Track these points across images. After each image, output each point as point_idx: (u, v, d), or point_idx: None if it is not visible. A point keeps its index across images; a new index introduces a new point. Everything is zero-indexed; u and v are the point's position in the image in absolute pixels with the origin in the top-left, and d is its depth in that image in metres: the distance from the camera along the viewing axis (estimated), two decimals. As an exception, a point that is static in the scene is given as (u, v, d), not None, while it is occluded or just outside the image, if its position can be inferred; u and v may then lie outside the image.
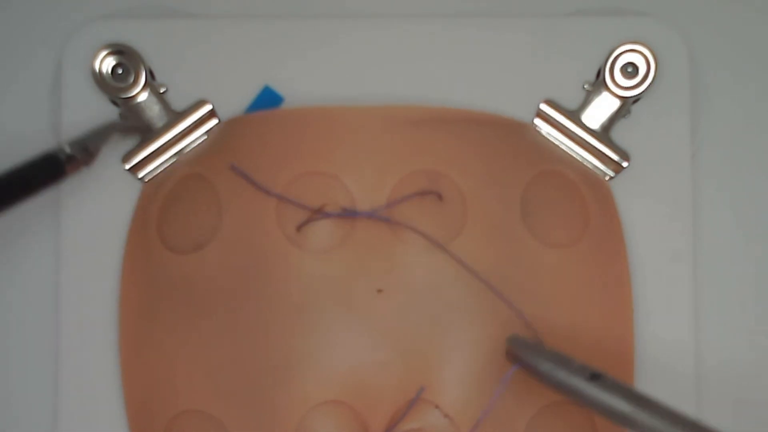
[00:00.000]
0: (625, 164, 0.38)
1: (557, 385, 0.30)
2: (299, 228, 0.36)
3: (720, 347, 0.38)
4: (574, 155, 0.38)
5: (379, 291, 0.35)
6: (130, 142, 0.38)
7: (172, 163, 0.38)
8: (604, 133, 0.38)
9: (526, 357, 0.31)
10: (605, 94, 0.38)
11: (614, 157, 0.38)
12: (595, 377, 0.28)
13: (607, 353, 0.36)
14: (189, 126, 0.38)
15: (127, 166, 0.38)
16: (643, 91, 0.38)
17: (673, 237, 0.38)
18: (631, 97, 0.38)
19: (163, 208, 0.38)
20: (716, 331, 0.39)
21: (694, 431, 0.27)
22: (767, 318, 0.39)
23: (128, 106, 0.38)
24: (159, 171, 0.38)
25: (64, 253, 0.38)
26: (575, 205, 0.37)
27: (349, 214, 0.36)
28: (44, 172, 0.35)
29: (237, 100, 0.39)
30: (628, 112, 0.38)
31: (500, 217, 0.36)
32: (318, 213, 0.36)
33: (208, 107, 0.38)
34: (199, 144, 0.39)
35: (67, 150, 0.35)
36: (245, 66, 0.39)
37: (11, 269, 0.39)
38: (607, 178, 0.38)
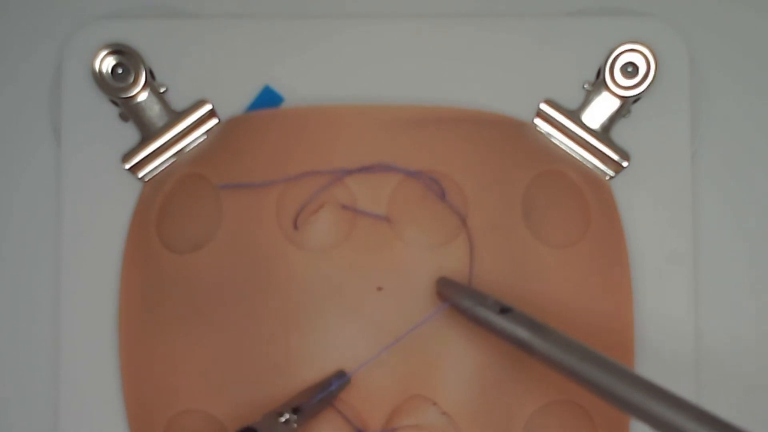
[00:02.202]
0: (625, 164, 0.38)
1: (475, 319, 0.33)
2: (296, 221, 0.36)
3: (720, 347, 0.38)
4: (575, 155, 0.38)
5: (379, 289, 0.36)
6: (130, 142, 0.38)
7: (172, 163, 0.38)
8: (604, 133, 0.38)
9: (451, 295, 0.34)
10: (605, 94, 0.38)
11: (614, 157, 0.38)
12: (504, 311, 0.32)
13: (607, 352, 0.36)
14: (189, 126, 0.38)
15: (127, 166, 0.38)
16: (643, 91, 0.38)
17: (673, 237, 0.38)
18: (631, 96, 0.38)
19: (163, 208, 0.38)
20: (716, 330, 0.39)
21: (584, 357, 0.29)
22: (767, 317, 0.39)
23: (128, 106, 0.38)
24: (159, 171, 0.38)
25: (64, 253, 0.38)
26: (576, 205, 0.37)
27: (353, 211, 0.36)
28: None
29: (237, 100, 0.39)
30: (628, 111, 0.38)
31: (501, 216, 0.36)
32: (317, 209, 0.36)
33: (208, 107, 0.38)
34: (199, 144, 0.39)
35: None
36: (245, 66, 0.39)
37: (12, 269, 0.39)
38: (607, 178, 0.38)
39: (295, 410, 0.32)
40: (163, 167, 0.38)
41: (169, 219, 0.37)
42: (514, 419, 0.35)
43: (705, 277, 0.39)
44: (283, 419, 0.32)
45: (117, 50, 0.38)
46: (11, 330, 0.39)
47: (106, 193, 0.38)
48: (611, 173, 0.38)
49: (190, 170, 0.38)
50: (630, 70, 0.38)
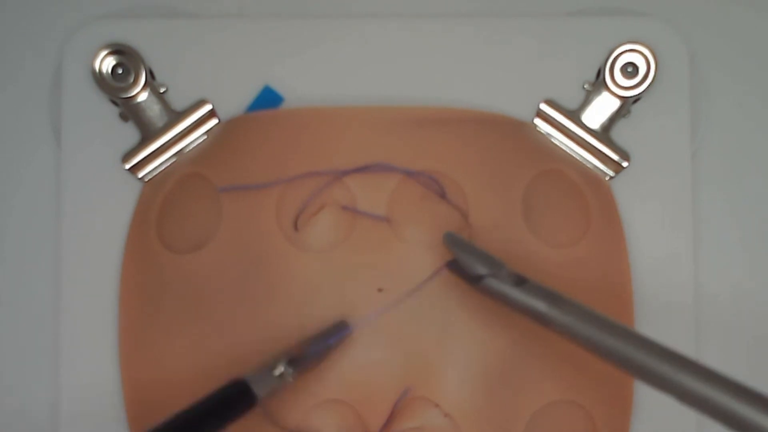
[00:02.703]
0: (625, 164, 0.38)
1: (485, 289, 0.31)
2: (296, 221, 0.36)
3: (720, 347, 0.38)
4: (575, 155, 0.38)
5: (380, 290, 0.35)
6: (130, 142, 0.38)
7: (172, 163, 0.38)
8: (604, 133, 0.38)
9: (461, 258, 0.32)
10: (605, 94, 0.38)
11: (614, 157, 0.38)
12: (520, 282, 0.31)
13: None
14: (189, 126, 0.38)
15: (127, 166, 0.38)
16: (643, 91, 0.38)
17: (673, 237, 0.38)
18: (631, 97, 0.38)
19: (163, 208, 0.38)
20: (716, 331, 0.39)
21: (604, 327, 0.28)
22: (767, 317, 0.39)
23: (128, 106, 0.38)
24: (159, 171, 0.38)
25: (64, 252, 0.38)
26: (576, 205, 0.37)
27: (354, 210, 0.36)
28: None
29: (237, 100, 0.39)
30: (628, 112, 0.38)
31: (501, 216, 0.36)
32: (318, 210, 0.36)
33: (208, 107, 0.38)
34: (199, 144, 0.39)
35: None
36: (245, 66, 0.39)
37: (12, 269, 0.39)
38: (607, 178, 0.38)
39: (290, 362, 0.30)
40: (163, 167, 0.38)
41: (169, 219, 0.37)
42: (515, 420, 0.35)
43: (705, 278, 0.39)
44: (277, 372, 0.29)
45: (117, 50, 0.38)
46: (11, 330, 0.39)
47: (106, 193, 0.38)
48: (611, 173, 0.38)
49: (190, 170, 0.38)
50: (630, 70, 0.38)
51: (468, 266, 0.32)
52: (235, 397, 0.28)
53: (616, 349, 0.28)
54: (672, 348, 0.27)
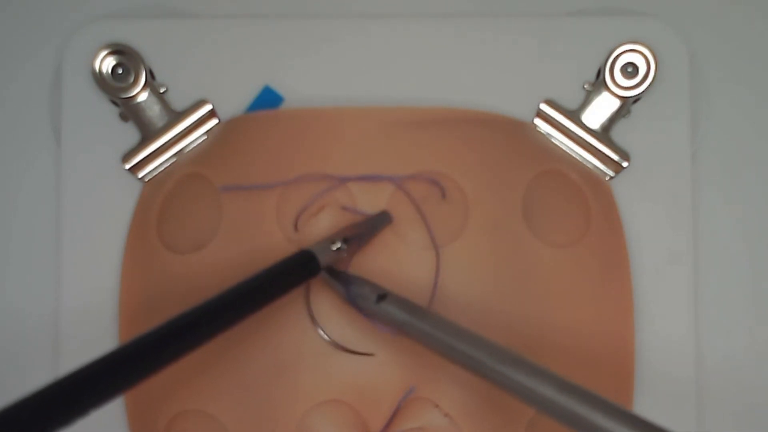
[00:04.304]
0: (625, 164, 0.38)
1: (356, 307, 0.34)
2: (296, 222, 0.36)
3: (720, 347, 0.38)
4: (575, 155, 0.38)
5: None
6: (130, 142, 0.38)
7: (172, 163, 0.38)
8: (604, 133, 0.38)
9: (332, 284, 0.34)
10: (605, 94, 0.38)
11: (614, 157, 0.38)
12: (381, 297, 0.33)
13: (607, 353, 0.36)
14: (189, 126, 0.38)
15: (127, 166, 0.38)
16: (643, 91, 0.38)
17: (673, 237, 0.38)
18: (631, 97, 0.38)
19: (163, 208, 0.38)
20: (716, 330, 0.39)
21: (459, 337, 0.31)
22: (767, 317, 0.39)
23: (128, 106, 0.38)
24: (159, 171, 0.38)
25: (65, 252, 0.38)
26: (576, 205, 0.37)
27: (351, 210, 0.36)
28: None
29: (237, 100, 0.39)
30: (628, 112, 0.38)
31: (501, 216, 0.36)
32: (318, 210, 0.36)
33: (208, 107, 0.38)
34: (199, 144, 0.39)
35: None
36: (245, 66, 0.39)
37: (12, 269, 0.39)
38: (607, 178, 0.38)
39: (345, 240, 0.34)
40: (163, 167, 0.38)
41: (169, 219, 0.37)
42: (515, 420, 0.35)
43: (705, 277, 0.39)
44: (334, 247, 0.34)
45: (117, 50, 0.38)
46: (11, 330, 0.39)
47: (106, 193, 0.38)
48: (611, 173, 0.38)
49: (190, 170, 0.38)
50: (630, 70, 0.38)
51: (337, 290, 0.34)
52: (303, 265, 0.33)
53: (474, 356, 0.30)
54: (526, 359, 0.29)
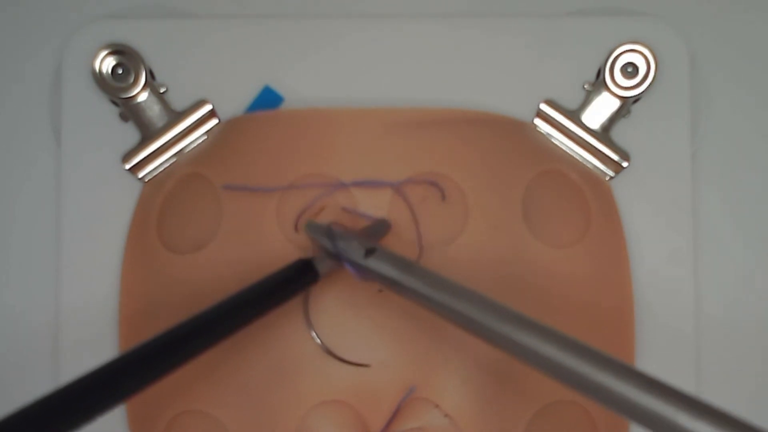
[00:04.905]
0: (625, 164, 0.38)
1: (345, 262, 0.33)
2: (296, 223, 0.36)
3: (720, 347, 0.38)
4: (575, 155, 0.38)
5: (380, 290, 0.35)
6: (130, 142, 0.38)
7: (172, 163, 0.38)
8: (604, 133, 0.38)
9: (317, 238, 0.34)
10: (605, 94, 0.38)
11: (614, 157, 0.38)
12: (370, 251, 0.32)
13: (608, 352, 0.36)
14: (189, 126, 0.38)
15: (127, 166, 0.38)
16: (643, 91, 0.38)
17: (673, 237, 0.38)
18: (631, 97, 0.38)
19: (163, 208, 0.38)
20: (716, 330, 0.39)
21: (450, 291, 0.29)
22: (767, 317, 0.39)
23: (128, 106, 0.38)
24: (159, 171, 0.38)
25: (65, 252, 0.38)
26: (576, 205, 0.37)
27: (353, 213, 0.36)
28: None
29: (237, 100, 0.39)
30: (628, 112, 0.38)
31: (501, 217, 0.36)
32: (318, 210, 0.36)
33: (208, 107, 0.38)
34: (199, 144, 0.39)
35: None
36: (245, 66, 0.39)
37: (12, 269, 0.39)
38: (607, 178, 0.38)
39: None
40: (163, 167, 0.38)
41: (169, 219, 0.37)
42: (515, 420, 0.35)
43: (705, 278, 0.39)
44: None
45: (117, 50, 0.38)
46: (11, 330, 0.39)
47: (106, 193, 0.38)
48: (611, 173, 0.38)
49: (190, 170, 0.38)
50: (630, 70, 0.38)
51: (323, 245, 0.33)
52: (301, 273, 0.33)
53: (468, 314, 0.28)
54: (501, 304, 0.28)
